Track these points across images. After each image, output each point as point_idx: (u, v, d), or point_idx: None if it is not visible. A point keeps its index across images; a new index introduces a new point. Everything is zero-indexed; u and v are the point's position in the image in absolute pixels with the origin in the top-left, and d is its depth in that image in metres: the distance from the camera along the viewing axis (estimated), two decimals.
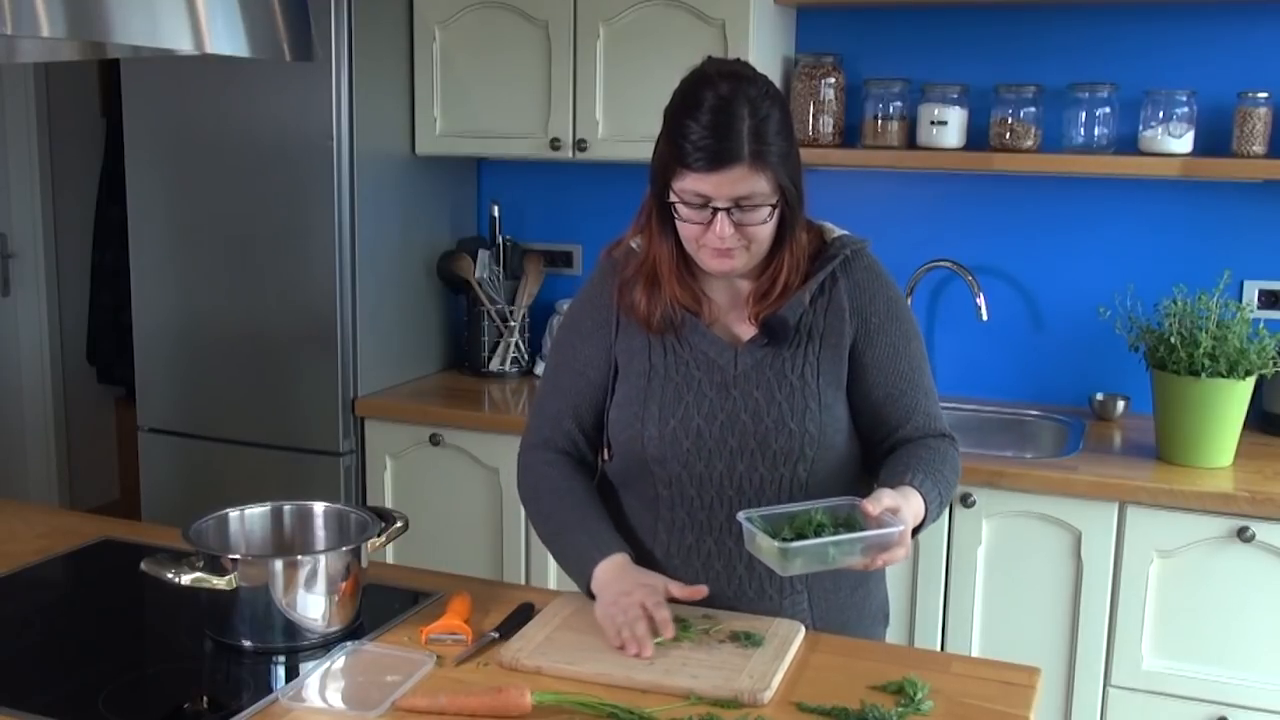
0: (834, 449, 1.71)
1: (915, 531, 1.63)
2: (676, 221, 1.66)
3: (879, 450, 1.76)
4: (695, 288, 1.74)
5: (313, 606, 1.63)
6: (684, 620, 1.64)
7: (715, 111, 1.58)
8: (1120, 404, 2.97)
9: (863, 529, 1.55)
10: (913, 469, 1.67)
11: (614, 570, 1.68)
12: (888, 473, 1.68)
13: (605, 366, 1.79)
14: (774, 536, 1.55)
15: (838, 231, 1.77)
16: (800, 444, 1.68)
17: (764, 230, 1.64)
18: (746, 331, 1.73)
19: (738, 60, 1.70)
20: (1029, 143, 2.87)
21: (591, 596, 1.69)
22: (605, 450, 1.84)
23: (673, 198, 1.63)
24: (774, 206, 1.62)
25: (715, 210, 1.60)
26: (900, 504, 1.57)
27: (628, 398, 1.75)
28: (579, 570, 1.72)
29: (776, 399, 1.69)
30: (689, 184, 1.60)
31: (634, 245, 1.76)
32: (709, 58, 1.71)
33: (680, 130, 1.60)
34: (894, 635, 1.94)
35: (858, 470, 1.77)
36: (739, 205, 1.60)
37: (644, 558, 1.76)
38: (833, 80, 3.00)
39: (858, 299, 1.73)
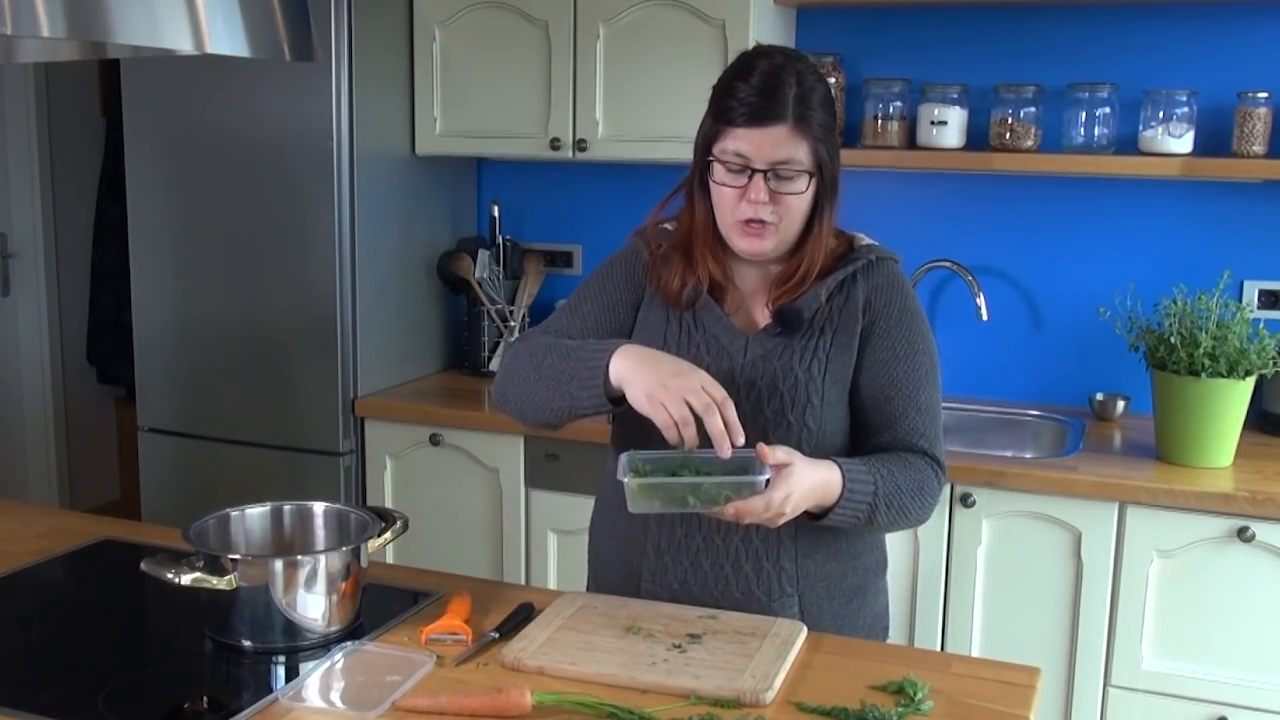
0: (832, 448, 1.70)
1: (824, 514, 1.61)
2: (712, 189, 1.66)
3: (859, 454, 1.73)
4: (726, 265, 1.74)
5: (313, 606, 1.63)
6: (695, 635, 1.63)
7: (765, 75, 1.61)
8: (1120, 404, 2.97)
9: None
10: (857, 458, 1.65)
11: (638, 353, 1.58)
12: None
13: (629, 317, 1.79)
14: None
15: (868, 240, 1.78)
16: (797, 439, 1.67)
17: (798, 203, 1.64)
18: (763, 321, 1.74)
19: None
20: (1029, 143, 2.87)
21: (613, 404, 1.60)
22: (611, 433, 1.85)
23: (713, 160, 1.64)
24: (810, 178, 1.63)
25: (753, 173, 1.61)
26: (794, 461, 1.54)
27: None
28: (591, 369, 1.59)
29: (779, 390, 1.69)
30: (730, 142, 1.62)
31: (667, 226, 1.78)
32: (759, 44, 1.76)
33: (728, 90, 1.63)
34: (894, 635, 1.94)
35: None
36: (776, 172, 1.61)
37: (635, 549, 1.77)
38: (833, 80, 3.00)
39: (873, 300, 1.73)
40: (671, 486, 1.54)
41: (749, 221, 1.64)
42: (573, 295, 1.86)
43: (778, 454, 1.54)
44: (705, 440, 1.54)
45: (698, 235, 1.72)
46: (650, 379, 1.54)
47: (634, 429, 1.65)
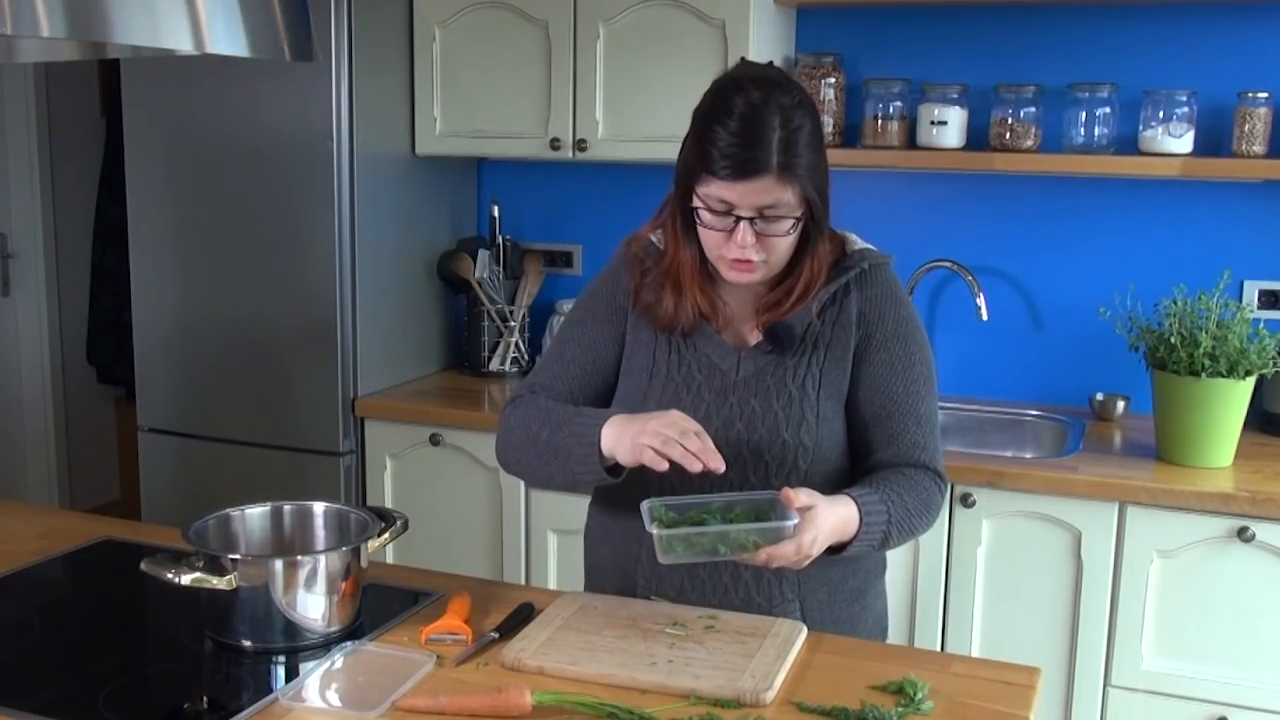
0: (829, 463, 1.69)
1: (842, 548, 1.60)
2: (699, 227, 1.64)
3: (860, 470, 1.73)
4: (714, 294, 1.72)
5: (313, 606, 1.63)
6: (683, 624, 1.64)
7: (745, 119, 1.55)
8: (1120, 404, 2.97)
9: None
10: (865, 484, 1.64)
11: (623, 419, 1.60)
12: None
13: (613, 351, 1.78)
14: (669, 525, 1.55)
15: (860, 244, 1.75)
16: (794, 456, 1.67)
17: (785, 242, 1.62)
18: (754, 337, 1.72)
19: (771, 65, 1.68)
20: (1029, 143, 2.87)
21: (610, 474, 1.63)
22: None
23: (696, 203, 1.62)
24: (797, 220, 1.60)
25: (738, 219, 1.59)
26: (817, 503, 1.54)
27: (628, 394, 1.75)
28: (585, 446, 1.62)
29: (773, 408, 1.68)
30: (714, 190, 1.58)
31: (654, 239, 1.75)
32: (743, 60, 1.70)
33: (708, 136, 1.57)
34: (894, 635, 1.94)
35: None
36: (762, 215, 1.59)
37: (632, 560, 1.76)
38: (833, 80, 3.00)
39: (867, 312, 1.71)
40: (701, 536, 1.54)
41: (736, 259, 1.63)
42: (557, 335, 1.85)
43: (801, 498, 1.53)
44: (717, 486, 1.62)
45: (684, 271, 1.70)
46: (631, 433, 1.57)
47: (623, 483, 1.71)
